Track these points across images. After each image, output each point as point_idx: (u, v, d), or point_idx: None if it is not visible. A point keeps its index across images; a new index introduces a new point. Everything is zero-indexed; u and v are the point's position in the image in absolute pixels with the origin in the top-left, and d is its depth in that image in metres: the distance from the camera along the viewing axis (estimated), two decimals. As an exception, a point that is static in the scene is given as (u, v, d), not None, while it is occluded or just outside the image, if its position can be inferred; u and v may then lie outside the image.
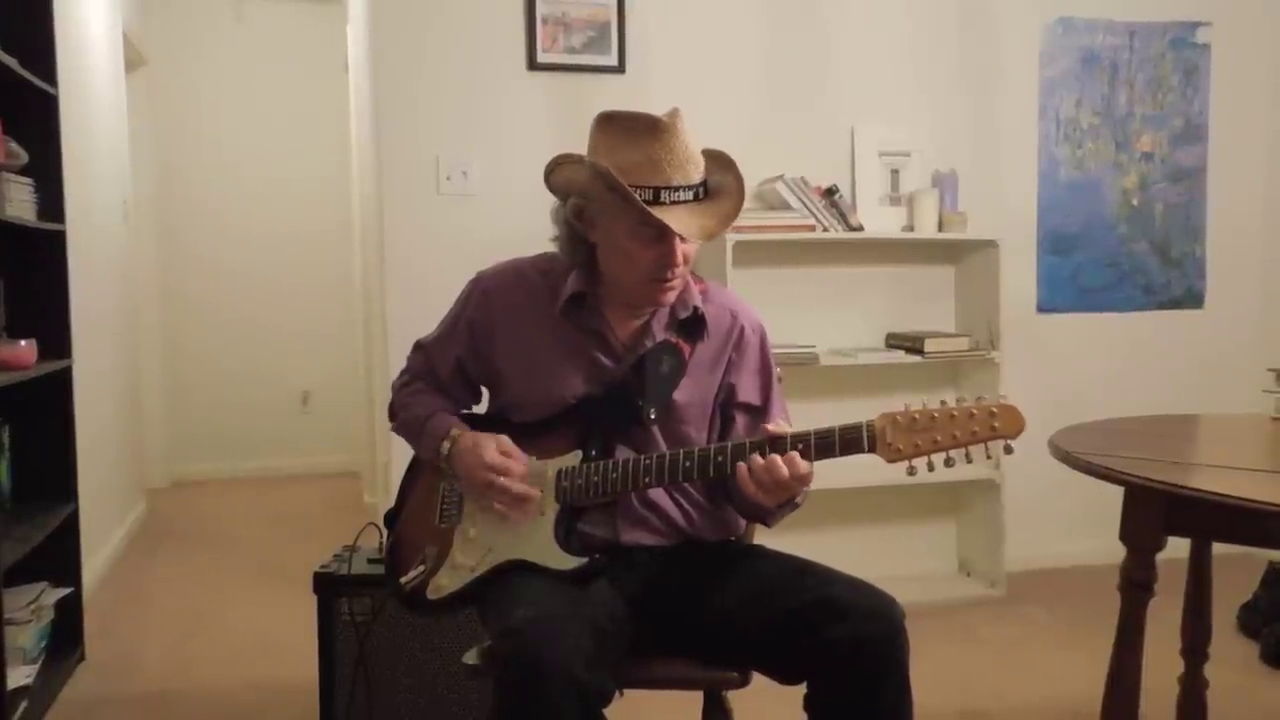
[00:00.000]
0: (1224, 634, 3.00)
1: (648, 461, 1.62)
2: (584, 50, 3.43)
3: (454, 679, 2.34)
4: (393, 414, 1.86)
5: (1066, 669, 2.96)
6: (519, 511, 1.66)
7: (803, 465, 1.52)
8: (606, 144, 1.62)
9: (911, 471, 1.49)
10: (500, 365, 1.77)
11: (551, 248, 1.79)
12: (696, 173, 1.61)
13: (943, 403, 1.50)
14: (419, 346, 1.88)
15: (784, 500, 1.59)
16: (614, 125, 1.62)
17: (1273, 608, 3.13)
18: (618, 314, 1.73)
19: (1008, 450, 1.47)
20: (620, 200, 1.58)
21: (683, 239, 1.60)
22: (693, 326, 1.74)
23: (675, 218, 1.56)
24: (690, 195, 1.59)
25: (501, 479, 1.64)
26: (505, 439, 1.68)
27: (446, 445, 1.71)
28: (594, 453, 1.67)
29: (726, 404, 1.78)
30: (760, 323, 1.82)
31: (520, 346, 1.75)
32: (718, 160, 1.69)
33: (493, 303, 1.78)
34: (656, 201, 1.57)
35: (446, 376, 1.82)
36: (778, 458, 1.52)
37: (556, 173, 1.72)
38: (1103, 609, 2.02)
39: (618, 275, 1.68)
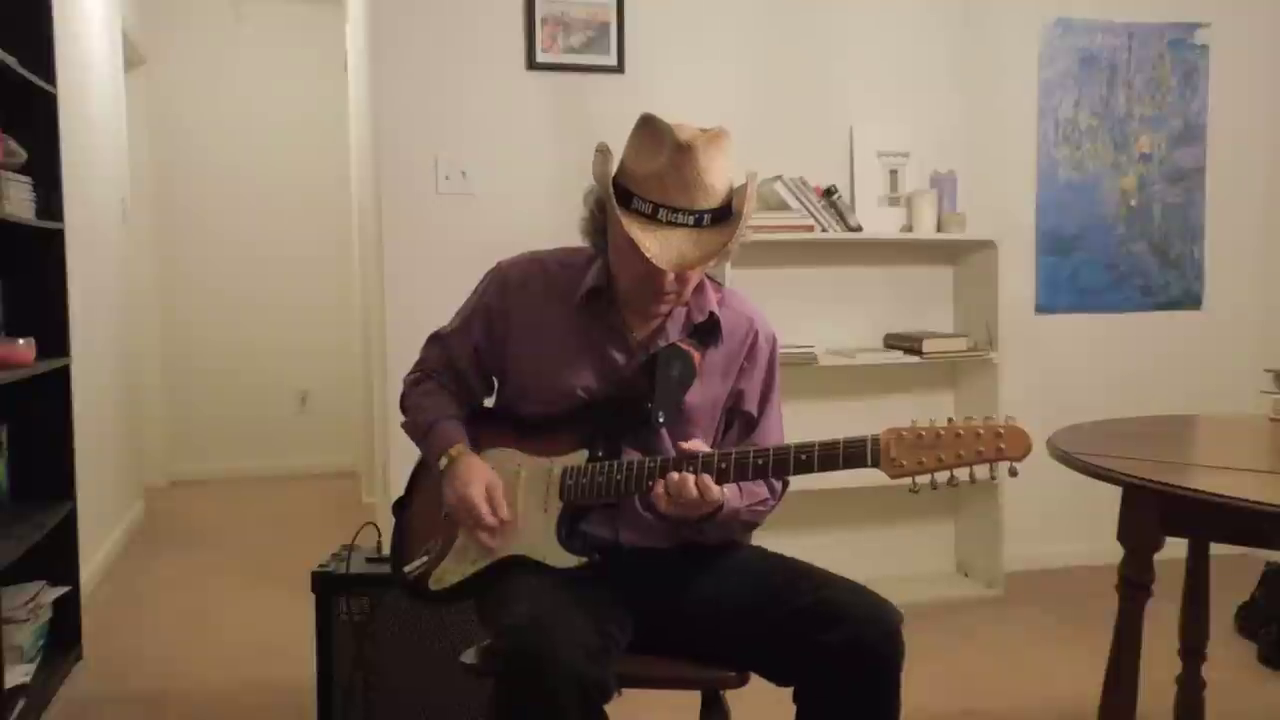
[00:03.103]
0: (1222, 634, 3.01)
1: (652, 464, 1.61)
2: (583, 50, 3.42)
3: (453, 678, 2.33)
4: (403, 408, 1.87)
5: (1065, 669, 2.97)
6: (473, 541, 1.68)
7: (714, 491, 1.54)
8: (632, 147, 1.63)
9: (914, 488, 1.48)
10: (514, 353, 1.77)
11: (559, 243, 1.80)
12: (705, 200, 1.57)
13: (950, 420, 1.48)
14: (435, 338, 1.87)
15: (688, 516, 1.58)
16: (644, 131, 1.62)
17: (1271, 608, 3.14)
18: (634, 311, 1.73)
19: (1012, 473, 1.43)
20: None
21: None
22: (707, 332, 1.74)
23: (661, 239, 1.55)
24: (690, 220, 1.57)
25: (469, 520, 1.66)
26: (499, 486, 1.68)
27: (444, 461, 1.71)
28: (600, 454, 1.67)
29: (732, 409, 1.79)
30: (774, 333, 1.81)
31: (535, 335, 1.75)
32: (742, 192, 1.63)
33: (510, 291, 1.78)
34: (653, 217, 1.56)
35: (465, 367, 1.82)
36: (690, 478, 1.54)
37: (594, 161, 1.69)
38: (1101, 609, 2.03)
39: (618, 274, 1.69)
